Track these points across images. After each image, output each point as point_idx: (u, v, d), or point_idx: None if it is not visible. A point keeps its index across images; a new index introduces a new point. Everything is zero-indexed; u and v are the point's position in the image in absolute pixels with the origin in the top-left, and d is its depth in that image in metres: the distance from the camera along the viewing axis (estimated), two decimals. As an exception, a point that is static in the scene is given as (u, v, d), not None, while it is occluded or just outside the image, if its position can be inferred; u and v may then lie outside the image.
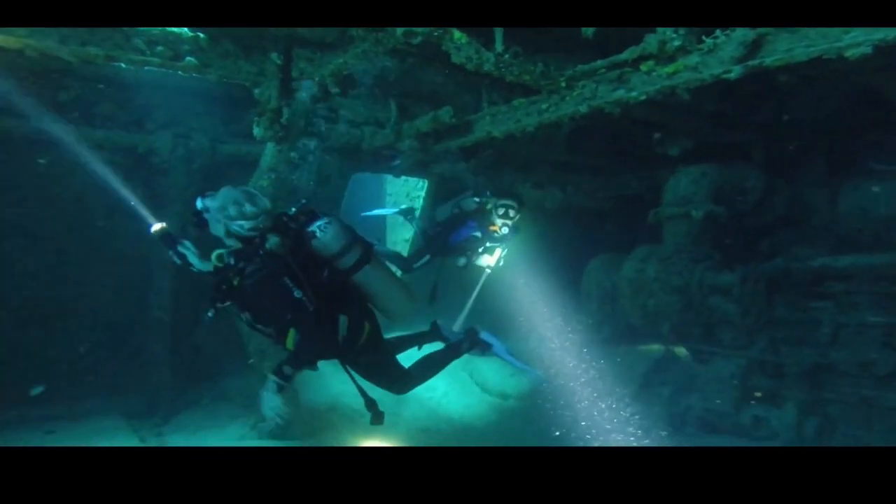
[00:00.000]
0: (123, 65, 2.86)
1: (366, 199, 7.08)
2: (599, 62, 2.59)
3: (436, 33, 2.29)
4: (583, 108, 2.75)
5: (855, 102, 3.03)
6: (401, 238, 6.55)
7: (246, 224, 2.15)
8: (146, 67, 2.78)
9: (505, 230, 4.04)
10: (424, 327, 2.99)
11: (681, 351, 5.01)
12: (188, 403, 4.72)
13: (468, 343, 2.93)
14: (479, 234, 4.09)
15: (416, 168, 4.56)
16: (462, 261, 4.17)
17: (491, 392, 5.52)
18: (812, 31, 1.71)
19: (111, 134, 4.23)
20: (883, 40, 1.52)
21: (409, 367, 2.70)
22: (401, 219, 6.68)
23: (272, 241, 2.13)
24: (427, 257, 4.25)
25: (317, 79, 2.97)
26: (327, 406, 4.49)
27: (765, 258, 4.36)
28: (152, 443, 4.02)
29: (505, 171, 4.81)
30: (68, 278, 4.48)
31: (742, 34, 1.89)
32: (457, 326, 5.22)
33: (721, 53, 2.00)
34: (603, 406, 4.59)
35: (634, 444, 4.23)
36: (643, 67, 2.37)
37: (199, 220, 2.22)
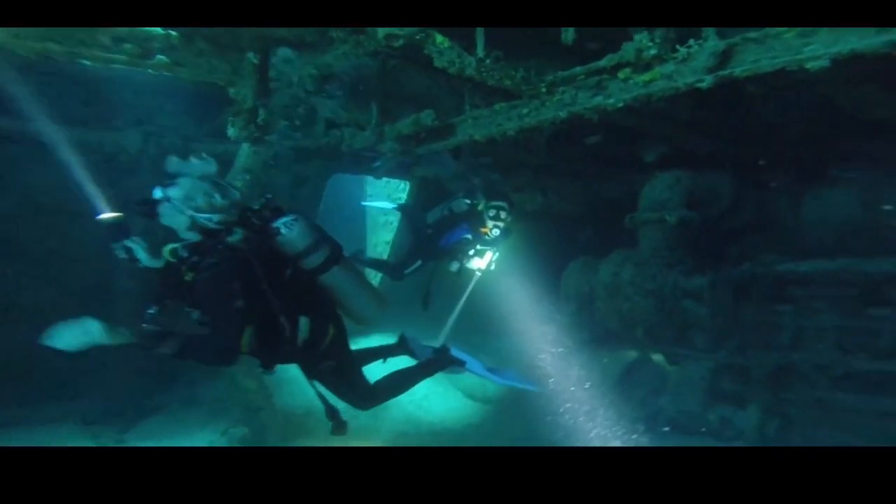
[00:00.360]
0: (88, 62, 2.73)
1: (346, 199, 7.02)
2: (578, 69, 2.65)
3: (418, 37, 2.29)
4: (563, 114, 2.80)
5: (818, 112, 3.20)
6: (381, 240, 6.51)
7: (215, 217, 2.06)
8: (113, 65, 2.68)
9: (496, 232, 4.01)
10: (425, 335, 2.95)
11: (658, 357, 5.13)
12: (154, 409, 4.54)
13: (440, 362, 2.88)
14: (469, 236, 4.05)
15: (398, 170, 4.56)
16: (455, 266, 4.13)
17: (473, 396, 5.53)
18: (777, 43, 1.80)
19: (75, 131, 4.07)
20: (839, 53, 1.62)
21: (376, 382, 2.62)
22: (381, 220, 6.67)
23: (236, 234, 2.04)
24: (419, 263, 4.18)
25: (296, 79, 2.93)
26: (304, 410, 4.39)
27: (733, 263, 4.53)
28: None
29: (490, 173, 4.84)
30: (23, 278, 4.28)
31: (713, 45, 1.97)
32: (446, 331, 5.20)
33: (694, 63, 2.08)
34: (584, 409, 4.65)
35: (614, 445, 4.29)
36: (620, 75, 2.44)
37: (151, 210, 2.07)
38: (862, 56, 1.59)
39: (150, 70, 2.72)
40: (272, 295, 2.06)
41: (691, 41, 2.06)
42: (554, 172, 5.28)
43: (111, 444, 3.94)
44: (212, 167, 2.18)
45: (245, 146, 3.49)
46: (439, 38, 2.42)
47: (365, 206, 6.50)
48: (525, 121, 3.07)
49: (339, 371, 2.42)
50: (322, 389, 2.37)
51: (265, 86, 2.84)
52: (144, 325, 1.93)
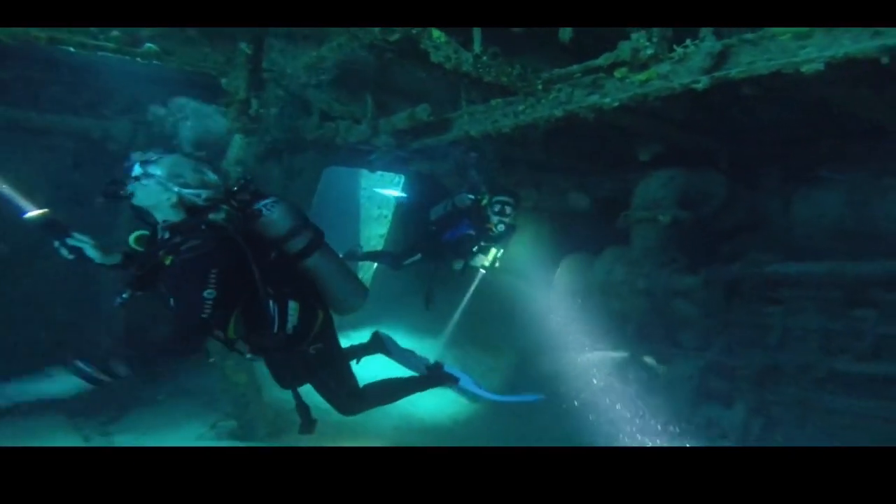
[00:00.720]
0: (72, 49, 2.64)
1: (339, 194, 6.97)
2: (575, 67, 2.64)
3: (414, 31, 2.27)
4: (558, 112, 2.80)
5: (809, 113, 3.22)
6: (375, 234, 6.48)
7: (204, 193, 1.96)
8: (100, 53, 2.60)
9: (501, 228, 3.88)
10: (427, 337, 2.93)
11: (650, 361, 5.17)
12: (141, 401, 4.48)
13: (434, 378, 2.85)
14: (472, 232, 3.93)
15: (393, 163, 4.53)
16: (458, 264, 4.01)
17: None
18: (772, 45, 1.81)
19: (61, 118, 3.98)
20: (833, 57, 1.63)
21: (366, 385, 2.56)
22: (375, 214, 6.64)
23: (220, 213, 1.95)
24: (418, 256, 4.11)
25: (289, 70, 2.89)
26: (294, 405, 4.37)
27: (725, 263, 4.57)
28: (97, 443, 3.73)
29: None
30: (5, 271, 4.20)
31: (709, 45, 1.98)
32: (450, 328, 5.15)
33: (690, 63, 2.08)
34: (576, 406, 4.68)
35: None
36: (617, 74, 2.44)
37: (117, 188, 1.92)
38: (856, 60, 1.60)
39: (139, 59, 2.65)
40: (260, 277, 1.99)
41: (688, 41, 2.06)
42: (549, 168, 5.28)
43: (96, 436, 3.88)
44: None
45: (237, 137, 3.45)
46: (436, 32, 2.40)
47: (369, 193, 6.43)
48: (521, 118, 3.06)
49: (329, 359, 2.36)
50: (305, 389, 2.32)
51: (258, 76, 2.79)
52: (79, 364, 1.78)
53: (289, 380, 2.39)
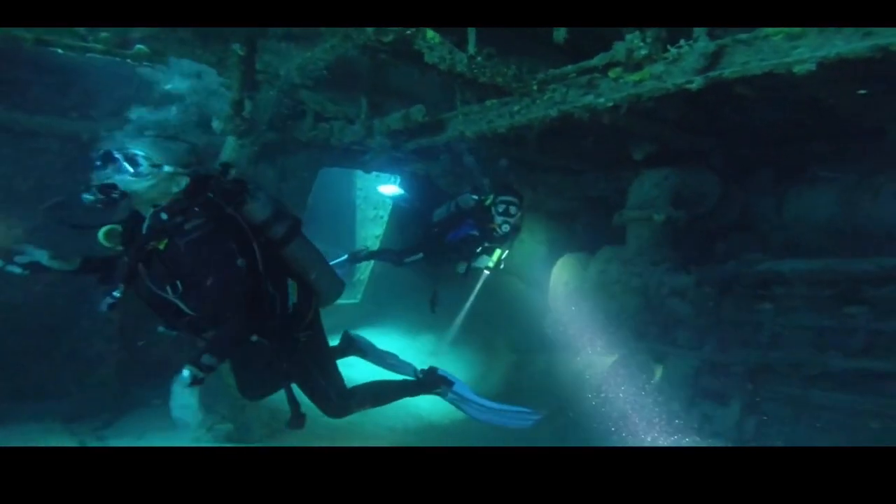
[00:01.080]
0: (60, 50, 2.60)
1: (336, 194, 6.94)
2: (570, 67, 2.65)
3: (408, 32, 2.26)
4: (553, 112, 2.80)
5: (802, 113, 3.25)
6: (371, 234, 6.47)
7: (189, 170, 1.92)
8: (88, 54, 2.56)
9: (505, 228, 3.80)
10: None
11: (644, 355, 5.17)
12: (135, 404, 4.44)
13: (428, 383, 2.79)
14: (476, 233, 3.87)
15: (388, 164, 4.51)
16: (462, 267, 3.93)
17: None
18: (765, 45, 1.82)
19: (48, 120, 3.92)
20: (825, 57, 1.65)
21: (354, 387, 2.53)
22: (371, 214, 6.61)
23: (211, 192, 1.91)
24: (420, 255, 4.03)
25: (282, 72, 2.87)
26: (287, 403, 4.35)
27: (718, 261, 4.60)
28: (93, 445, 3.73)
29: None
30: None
31: (703, 46, 1.99)
32: (454, 330, 5.10)
33: (684, 64, 2.09)
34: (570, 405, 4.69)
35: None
36: (611, 74, 2.44)
37: (110, 190, 1.80)
38: (847, 60, 1.62)
39: (129, 60, 2.62)
40: (260, 256, 1.97)
41: (682, 42, 2.07)
42: (544, 168, 5.29)
43: (91, 441, 3.85)
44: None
45: (230, 139, 3.42)
46: (430, 33, 2.39)
47: (364, 194, 6.38)
48: (516, 118, 3.06)
49: (318, 349, 2.33)
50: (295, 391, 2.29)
51: (251, 78, 2.77)
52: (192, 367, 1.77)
53: (272, 380, 2.35)
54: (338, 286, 2.38)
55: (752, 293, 4.45)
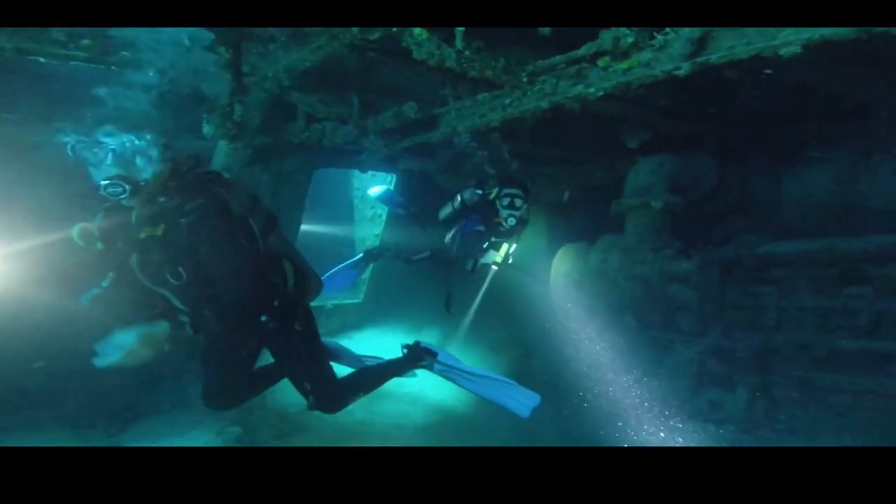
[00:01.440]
0: (42, 59, 2.56)
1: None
2: (558, 57, 2.64)
3: (394, 29, 2.26)
4: (544, 104, 2.79)
5: (793, 95, 3.22)
6: (370, 233, 6.48)
7: (169, 154, 1.93)
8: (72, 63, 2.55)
9: (511, 222, 3.69)
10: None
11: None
12: (145, 410, 4.50)
13: (411, 357, 2.75)
14: (482, 228, 3.77)
15: (383, 163, 4.51)
16: (469, 263, 3.83)
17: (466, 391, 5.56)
18: (750, 29, 1.81)
19: (34, 130, 3.90)
20: (810, 39, 1.64)
21: (342, 378, 2.49)
22: (369, 214, 6.62)
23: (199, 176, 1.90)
24: (427, 253, 3.93)
25: (270, 74, 2.86)
26: (298, 409, 4.39)
27: (718, 246, 4.58)
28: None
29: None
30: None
31: (689, 31, 1.97)
32: (464, 328, 5.05)
33: (671, 50, 2.08)
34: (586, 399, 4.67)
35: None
36: (600, 63, 2.43)
37: (118, 191, 1.80)
38: (832, 42, 1.61)
39: (113, 67, 2.61)
40: (259, 235, 1.97)
41: (668, 29, 2.06)
42: (540, 160, 5.27)
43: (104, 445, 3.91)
44: None
45: (222, 144, 3.43)
46: (416, 29, 2.39)
47: (361, 194, 6.35)
48: (508, 111, 3.05)
49: (312, 339, 2.32)
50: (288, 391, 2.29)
51: (239, 81, 2.77)
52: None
53: (252, 379, 2.33)
54: (315, 288, 2.37)
55: (753, 276, 4.43)
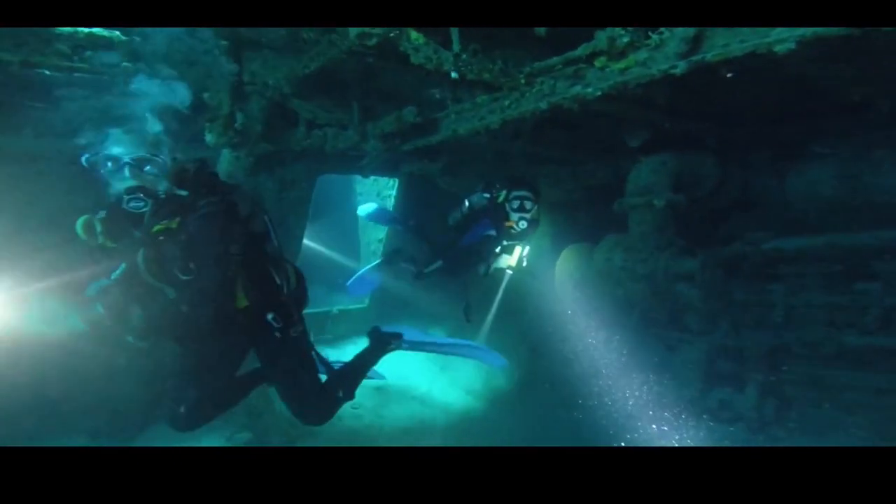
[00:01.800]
0: (47, 72, 2.65)
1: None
2: (555, 59, 2.65)
3: (392, 34, 2.29)
4: (543, 105, 2.81)
5: (791, 91, 3.21)
6: (374, 239, 6.51)
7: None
8: (76, 74, 2.61)
9: (522, 225, 3.65)
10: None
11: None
12: (158, 417, 4.55)
13: (378, 344, 2.73)
14: (493, 232, 3.70)
15: (385, 167, 4.54)
16: (483, 268, 3.77)
17: (473, 393, 5.57)
18: (744, 28, 1.81)
19: (43, 142, 3.96)
20: (803, 36, 1.64)
21: (324, 383, 2.45)
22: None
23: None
24: (439, 262, 3.82)
25: (271, 82, 2.90)
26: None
27: (722, 243, 4.55)
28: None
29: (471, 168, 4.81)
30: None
31: (683, 30, 1.98)
32: (483, 333, 5.00)
33: (666, 49, 2.08)
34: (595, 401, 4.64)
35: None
36: (597, 63, 2.44)
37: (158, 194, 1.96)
38: (826, 38, 1.61)
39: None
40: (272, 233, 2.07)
41: (663, 28, 2.07)
42: (542, 160, 5.27)
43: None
44: None
45: (226, 152, 3.48)
46: (414, 34, 2.42)
47: (365, 199, 6.35)
48: (507, 113, 3.07)
49: (305, 346, 2.34)
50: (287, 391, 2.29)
51: (240, 89, 2.82)
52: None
53: (237, 386, 2.36)
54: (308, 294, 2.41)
55: (760, 273, 4.39)
